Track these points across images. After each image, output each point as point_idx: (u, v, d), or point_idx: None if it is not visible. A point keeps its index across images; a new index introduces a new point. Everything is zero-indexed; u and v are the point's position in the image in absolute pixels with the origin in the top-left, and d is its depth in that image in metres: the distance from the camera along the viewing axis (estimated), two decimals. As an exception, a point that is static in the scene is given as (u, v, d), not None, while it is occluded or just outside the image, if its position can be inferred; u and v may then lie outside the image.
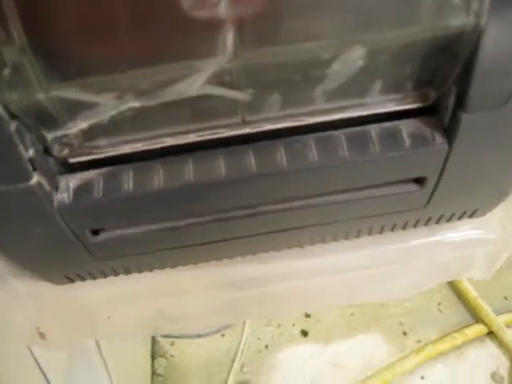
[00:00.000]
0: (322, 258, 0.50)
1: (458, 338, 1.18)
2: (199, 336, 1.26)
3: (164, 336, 1.25)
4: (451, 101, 0.35)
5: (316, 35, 0.31)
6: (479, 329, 1.19)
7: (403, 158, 0.37)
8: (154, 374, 1.25)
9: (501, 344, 1.17)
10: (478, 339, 1.19)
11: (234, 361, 1.23)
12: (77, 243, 0.39)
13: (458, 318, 1.23)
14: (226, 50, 0.30)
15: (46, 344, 0.49)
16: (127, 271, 0.47)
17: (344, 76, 0.33)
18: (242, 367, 1.23)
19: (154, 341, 1.27)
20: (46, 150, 0.36)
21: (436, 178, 0.39)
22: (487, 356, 1.17)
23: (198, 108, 0.34)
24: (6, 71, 0.29)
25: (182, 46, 0.30)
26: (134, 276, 0.48)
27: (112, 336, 0.57)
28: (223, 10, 0.28)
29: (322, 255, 0.50)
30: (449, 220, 0.46)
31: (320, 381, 1.18)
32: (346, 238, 0.47)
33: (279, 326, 1.28)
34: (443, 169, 0.38)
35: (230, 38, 0.29)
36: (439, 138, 0.37)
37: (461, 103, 0.34)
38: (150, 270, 0.47)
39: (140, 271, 0.47)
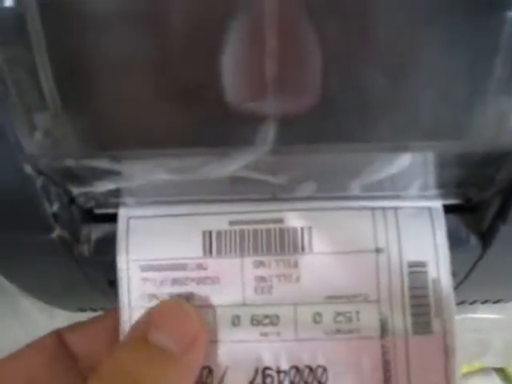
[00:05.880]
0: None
1: (463, 367, 1.16)
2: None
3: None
4: (492, 210, 0.33)
5: (360, 139, 0.29)
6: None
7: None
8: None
9: (506, 378, 1.15)
10: (483, 371, 1.17)
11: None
12: (94, 290, 0.39)
13: (466, 346, 1.21)
14: (264, 144, 0.28)
15: None
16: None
17: (383, 175, 0.32)
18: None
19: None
20: (71, 200, 0.35)
21: (464, 274, 0.38)
22: (491, 389, 1.15)
23: (227, 183, 0.33)
24: (37, 135, 0.29)
25: (218, 134, 0.29)
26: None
27: None
28: (269, 105, 0.27)
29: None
30: (471, 304, 0.45)
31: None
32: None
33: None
34: (473, 268, 0.37)
35: (270, 133, 0.28)
36: (474, 240, 0.35)
37: (502, 214, 0.33)
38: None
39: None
